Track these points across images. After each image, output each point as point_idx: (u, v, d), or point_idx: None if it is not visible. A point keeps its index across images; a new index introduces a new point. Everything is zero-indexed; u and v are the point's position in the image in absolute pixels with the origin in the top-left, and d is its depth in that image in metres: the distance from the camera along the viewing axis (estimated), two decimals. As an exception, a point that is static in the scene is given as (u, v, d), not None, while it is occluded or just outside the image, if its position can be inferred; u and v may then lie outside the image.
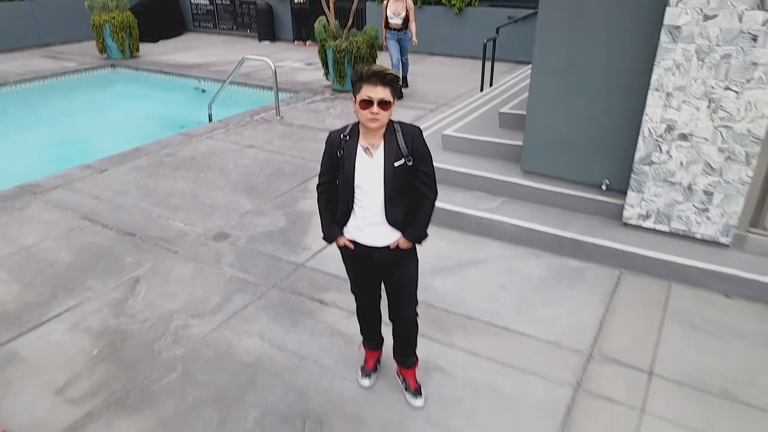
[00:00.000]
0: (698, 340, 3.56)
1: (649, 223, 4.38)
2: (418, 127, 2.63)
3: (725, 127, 3.86)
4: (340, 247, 2.84)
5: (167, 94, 10.98)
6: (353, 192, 2.64)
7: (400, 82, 9.00)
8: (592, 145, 4.64)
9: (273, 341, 3.60)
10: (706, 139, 3.94)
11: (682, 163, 4.09)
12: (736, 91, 3.75)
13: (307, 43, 13.75)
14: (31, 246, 4.73)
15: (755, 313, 3.80)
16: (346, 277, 3.02)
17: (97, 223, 5.12)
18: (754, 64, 3.64)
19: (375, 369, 3.28)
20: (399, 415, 3.04)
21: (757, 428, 2.94)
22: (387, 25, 8.75)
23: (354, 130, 2.62)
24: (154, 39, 14.29)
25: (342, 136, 2.62)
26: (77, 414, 3.07)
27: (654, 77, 3.98)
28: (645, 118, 4.10)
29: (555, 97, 4.65)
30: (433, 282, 4.14)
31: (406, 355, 3.10)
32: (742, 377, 3.26)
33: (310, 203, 5.45)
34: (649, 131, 4.12)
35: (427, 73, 10.66)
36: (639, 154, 4.22)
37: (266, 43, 14.22)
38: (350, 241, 2.77)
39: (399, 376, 3.20)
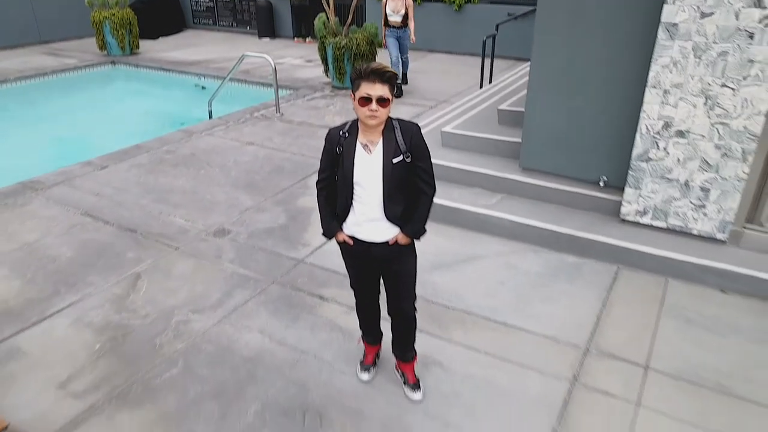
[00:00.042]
0: (694, 335, 3.60)
1: (646, 220, 4.41)
2: (417, 124, 2.66)
3: (722, 123, 3.88)
4: (339, 243, 2.87)
5: (167, 91, 11.00)
6: (352, 188, 2.67)
7: (399, 80, 9.01)
8: (589, 141, 4.67)
9: (273, 336, 3.63)
10: (703, 136, 3.97)
11: (679, 159, 4.12)
12: (732, 88, 3.78)
13: (307, 40, 13.77)
14: (32, 242, 4.76)
15: (751, 309, 3.83)
16: (346, 272, 3.05)
17: (98, 220, 5.15)
18: (751, 61, 3.67)
19: (374, 363, 3.32)
20: (398, 408, 3.08)
21: (752, 422, 2.98)
22: (386, 23, 8.75)
23: (353, 127, 2.65)
24: (154, 36, 14.30)
25: (341, 132, 2.65)
26: (80, 408, 3.10)
27: (651, 74, 4.00)
28: (642, 115, 4.13)
29: (553, 95, 4.67)
30: (431, 277, 4.17)
31: (405, 350, 3.13)
32: (738, 372, 3.29)
33: (309, 200, 5.48)
34: (647, 128, 4.15)
35: (427, 70, 10.68)
36: (636, 150, 4.25)
37: (266, 39, 14.24)
38: (349, 236, 2.80)
39: (398, 370, 3.23)
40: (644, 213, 4.40)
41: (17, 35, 13.21)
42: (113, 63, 12.03)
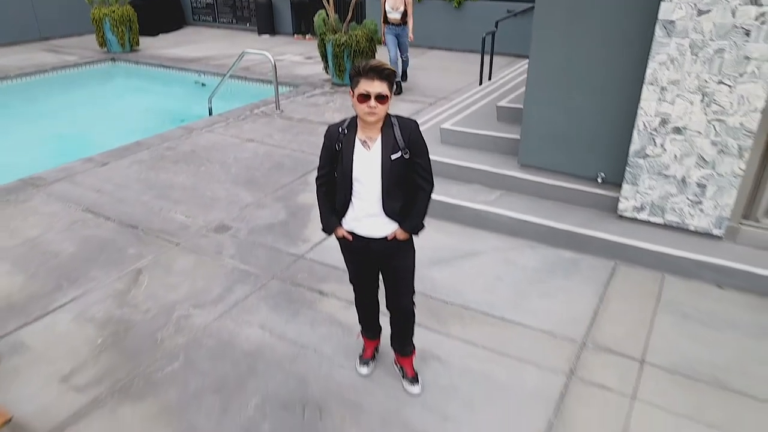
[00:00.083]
0: (690, 330, 3.63)
1: (643, 216, 4.45)
2: (415, 121, 2.69)
3: (718, 120, 3.91)
4: (338, 238, 2.91)
5: (167, 87, 11.02)
6: (351, 184, 2.70)
7: (399, 78, 9.02)
8: (587, 138, 4.70)
9: (273, 331, 3.67)
10: (700, 133, 4.00)
11: (676, 156, 4.15)
12: (729, 85, 3.80)
13: (307, 36, 13.77)
14: (34, 238, 4.79)
15: (747, 304, 3.86)
16: (345, 268, 3.09)
17: (100, 216, 5.18)
18: (747, 58, 3.70)
19: (373, 357, 3.35)
20: (396, 402, 3.11)
21: (748, 416, 3.01)
22: (385, 20, 8.75)
23: (352, 124, 2.68)
24: (153, 33, 14.30)
25: (340, 129, 2.68)
26: (82, 401, 3.14)
27: (649, 71, 4.03)
28: (640, 111, 4.16)
29: (551, 92, 4.70)
30: (430, 273, 4.21)
31: (404, 344, 3.17)
32: (734, 366, 3.33)
33: (309, 196, 5.51)
34: (644, 125, 4.18)
35: (427, 67, 10.70)
36: (634, 147, 4.28)
37: (266, 36, 14.24)
38: (348, 232, 2.83)
39: (396, 364, 3.27)
40: (641, 209, 4.43)
41: (17, 32, 13.22)
42: (113, 60, 12.04)
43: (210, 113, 8.42)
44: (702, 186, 4.13)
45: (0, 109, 9.44)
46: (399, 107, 8.05)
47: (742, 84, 3.76)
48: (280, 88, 8.60)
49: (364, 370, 3.31)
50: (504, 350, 3.47)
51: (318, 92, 9.20)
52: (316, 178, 2.85)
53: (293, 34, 14.05)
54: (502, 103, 5.99)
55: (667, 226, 4.40)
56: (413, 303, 3.03)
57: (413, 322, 3.11)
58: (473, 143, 5.64)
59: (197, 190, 5.71)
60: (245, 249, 4.63)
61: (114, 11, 11.80)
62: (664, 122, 4.10)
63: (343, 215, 2.81)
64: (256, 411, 3.06)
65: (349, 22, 9.14)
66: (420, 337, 3.37)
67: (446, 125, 5.84)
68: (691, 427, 2.93)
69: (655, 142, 4.18)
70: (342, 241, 2.90)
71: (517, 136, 5.19)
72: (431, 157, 2.75)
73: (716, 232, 4.21)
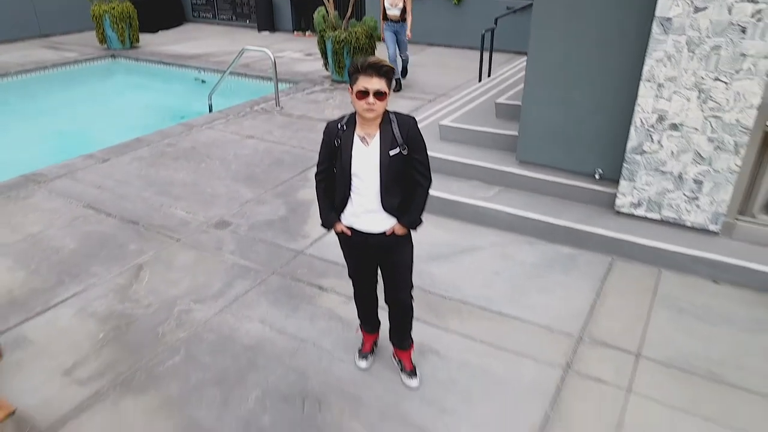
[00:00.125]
0: (686, 324, 3.67)
1: (640, 211, 4.48)
2: (413, 118, 2.72)
3: (715, 117, 3.94)
4: (337, 234, 2.94)
5: (167, 84, 11.04)
6: (350, 180, 2.73)
7: (398, 75, 9.02)
8: (585, 134, 4.72)
9: (273, 325, 3.71)
10: (696, 129, 4.03)
11: (672, 152, 4.18)
12: (725, 82, 3.83)
13: (307, 33, 13.78)
14: (36, 234, 4.83)
15: (742, 299, 3.90)
16: (344, 263, 3.12)
17: (101, 212, 5.22)
18: (743, 55, 3.72)
19: (372, 351, 3.39)
20: (395, 395, 3.15)
21: (743, 408, 3.04)
22: (385, 17, 8.75)
23: (351, 120, 2.71)
24: (153, 29, 14.31)
25: (339, 125, 2.71)
26: (84, 394, 3.18)
27: (646, 68, 4.06)
28: (637, 108, 4.19)
29: (550, 89, 4.73)
30: (429, 268, 4.24)
31: (402, 338, 3.21)
32: (729, 360, 3.36)
33: (309, 192, 5.54)
34: (641, 121, 4.20)
35: (426, 64, 10.71)
36: (631, 143, 4.31)
37: (265, 33, 14.25)
38: (347, 227, 2.86)
39: (395, 358, 3.31)
40: (639, 205, 4.46)
41: (17, 29, 13.23)
42: (113, 56, 12.06)
43: (210, 110, 8.45)
44: (698, 182, 4.16)
45: (0, 105, 9.46)
46: (398, 104, 8.08)
47: (738, 81, 3.79)
48: (279, 84, 8.62)
49: (363, 363, 3.34)
50: (502, 344, 3.51)
51: (318, 89, 9.22)
52: (316, 174, 2.89)
53: (293, 31, 14.05)
54: (501, 99, 6.02)
55: (663, 222, 4.44)
56: (411, 297, 3.06)
57: (411, 316, 3.14)
58: (472, 140, 5.66)
59: (197, 187, 5.74)
60: (245, 245, 4.66)
61: (114, 8, 11.81)
62: (661, 119, 4.13)
63: (342, 211, 2.84)
64: (257, 404, 3.10)
65: (349, 18, 9.15)
66: (418, 332, 3.40)
67: (445, 122, 5.87)
68: (686, 420, 2.97)
69: (652, 138, 4.21)
70: (341, 236, 2.94)
71: (516, 133, 5.22)
72: (430, 153, 2.79)
73: (712, 227, 4.25)
